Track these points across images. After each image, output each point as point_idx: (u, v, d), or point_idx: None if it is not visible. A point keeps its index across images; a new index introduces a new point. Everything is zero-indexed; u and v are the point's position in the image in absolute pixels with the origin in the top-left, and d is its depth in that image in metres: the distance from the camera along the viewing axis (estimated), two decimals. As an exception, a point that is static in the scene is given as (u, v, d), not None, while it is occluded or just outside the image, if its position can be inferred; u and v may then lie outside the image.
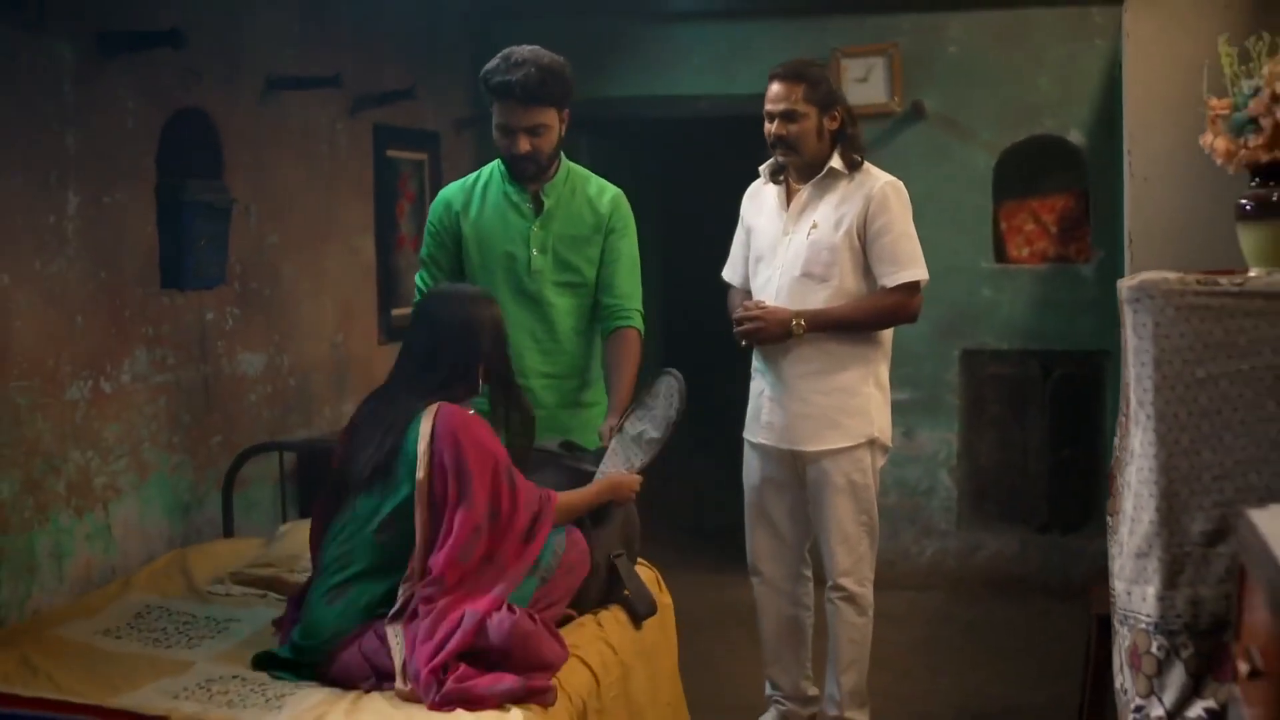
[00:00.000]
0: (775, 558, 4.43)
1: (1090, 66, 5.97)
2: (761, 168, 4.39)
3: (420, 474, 3.08)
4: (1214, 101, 3.14)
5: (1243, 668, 2.14)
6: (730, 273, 4.51)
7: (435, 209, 4.01)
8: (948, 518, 6.35)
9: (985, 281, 6.22)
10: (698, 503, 7.41)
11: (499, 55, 3.84)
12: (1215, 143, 3.10)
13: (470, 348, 3.31)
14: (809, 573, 4.50)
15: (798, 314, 4.13)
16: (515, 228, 3.92)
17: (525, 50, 3.83)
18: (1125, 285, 2.94)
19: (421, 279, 4.00)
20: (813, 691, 4.51)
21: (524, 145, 3.82)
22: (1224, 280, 2.88)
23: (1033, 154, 6.18)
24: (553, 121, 3.85)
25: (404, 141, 5.82)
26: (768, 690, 4.54)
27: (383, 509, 3.13)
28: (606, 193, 4.04)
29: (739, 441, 4.47)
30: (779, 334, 4.16)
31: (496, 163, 4.00)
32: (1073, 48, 6.04)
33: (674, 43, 6.46)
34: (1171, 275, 2.89)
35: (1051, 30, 6.07)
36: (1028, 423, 6.30)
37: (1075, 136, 6.08)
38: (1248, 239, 3.08)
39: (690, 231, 7.60)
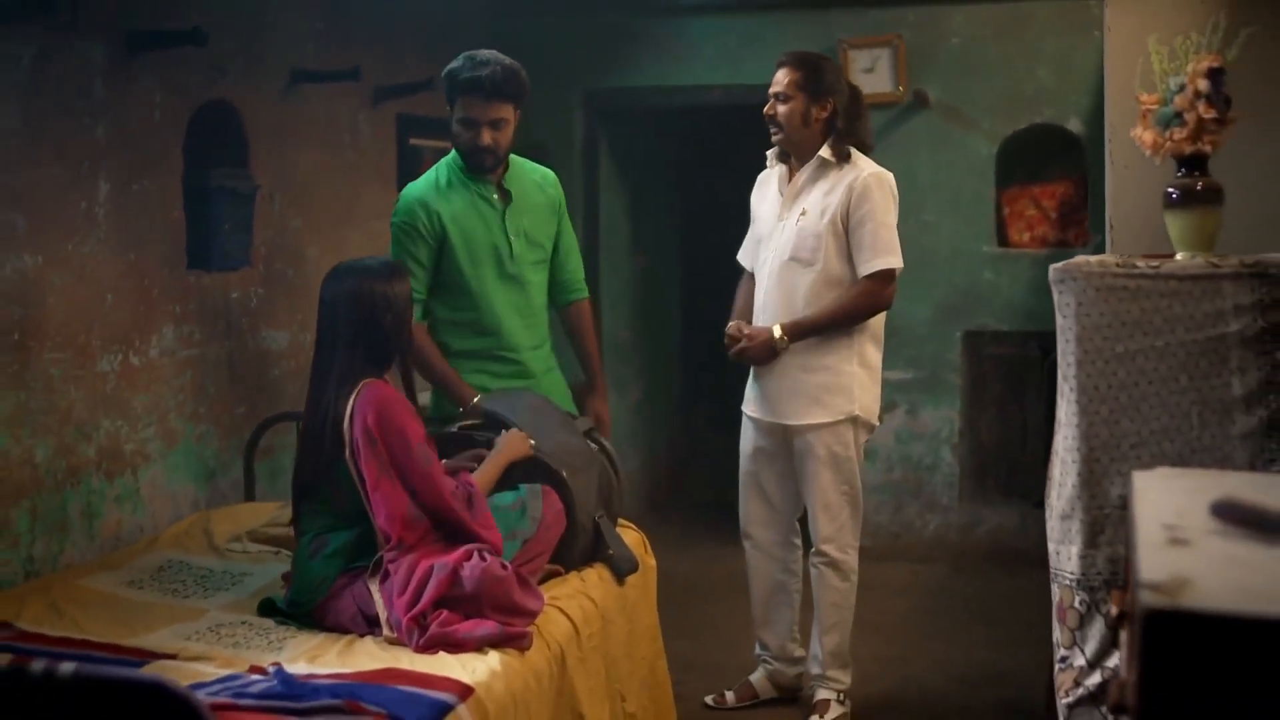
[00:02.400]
0: (765, 523, 4.68)
1: (1088, 57, 6.15)
2: (768, 151, 4.65)
3: (345, 452, 3.34)
4: (1144, 96, 3.37)
5: (1113, 611, 2.38)
6: (742, 255, 4.77)
7: (409, 210, 4.23)
8: (950, 493, 6.58)
9: (987, 265, 6.43)
10: (715, 478, 7.66)
11: (462, 56, 4.17)
12: (1143, 135, 3.33)
13: (363, 318, 3.42)
14: (799, 541, 4.75)
15: (780, 329, 4.39)
16: (490, 220, 4.25)
17: (487, 52, 4.16)
18: (1052, 268, 3.18)
19: None
20: (799, 653, 4.76)
21: (486, 138, 4.15)
22: (1141, 263, 3.12)
23: (1033, 142, 6.39)
24: (511, 117, 4.20)
25: (427, 130, 6.10)
26: (757, 650, 4.80)
27: (324, 488, 3.43)
28: (548, 176, 4.45)
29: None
30: (766, 352, 4.42)
31: (445, 163, 4.32)
32: (1071, 39, 6.23)
33: (687, 35, 6.72)
34: (1094, 259, 3.13)
35: (1050, 23, 6.27)
36: (1027, 401, 6.51)
37: (1074, 125, 6.28)
38: (1173, 225, 3.31)
39: (705, 215, 7.84)
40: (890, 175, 4.43)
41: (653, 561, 4.24)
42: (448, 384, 4.22)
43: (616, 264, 7.23)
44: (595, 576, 3.87)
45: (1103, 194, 6.11)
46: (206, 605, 3.59)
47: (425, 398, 4.38)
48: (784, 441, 4.54)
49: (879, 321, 4.51)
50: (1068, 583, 3.19)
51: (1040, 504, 6.34)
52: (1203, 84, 3.20)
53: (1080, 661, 3.17)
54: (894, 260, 4.35)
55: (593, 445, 4.09)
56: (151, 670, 2.96)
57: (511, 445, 3.76)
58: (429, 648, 3.19)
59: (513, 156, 4.35)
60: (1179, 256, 3.28)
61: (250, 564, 3.96)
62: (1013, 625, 5.53)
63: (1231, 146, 3.41)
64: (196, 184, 4.52)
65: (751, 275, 4.67)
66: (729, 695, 4.74)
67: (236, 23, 4.76)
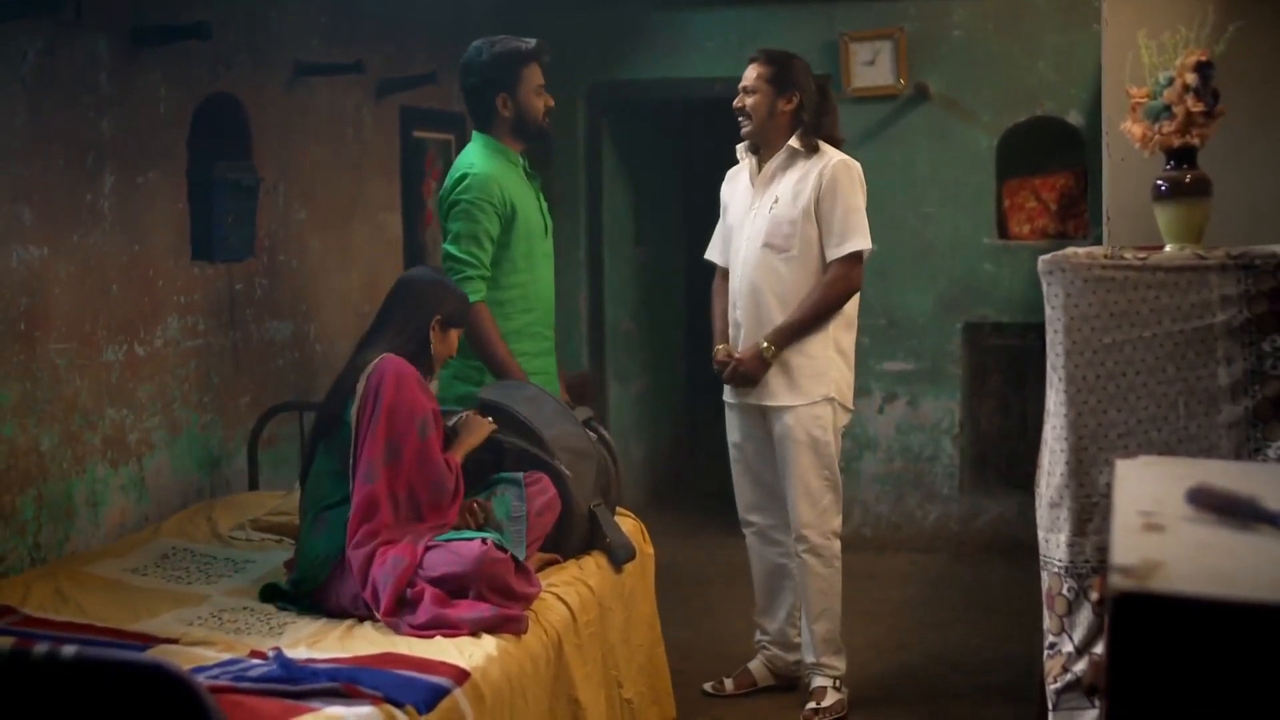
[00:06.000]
0: (762, 508, 4.74)
1: (1087, 51, 6.16)
2: (739, 146, 4.72)
3: (353, 412, 3.43)
4: (1134, 90, 3.41)
5: (1094, 596, 2.43)
6: (711, 252, 4.84)
7: (485, 187, 4.21)
8: (950, 483, 6.62)
9: (987, 257, 6.47)
10: (718, 468, 7.69)
11: (502, 38, 4.36)
12: (1133, 128, 3.36)
13: (421, 307, 3.66)
14: (796, 524, 4.80)
15: (766, 341, 4.46)
16: (531, 195, 4.40)
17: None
18: (1041, 259, 3.22)
19: (473, 255, 4.19)
20: (797, 640, 4.79)
21: (551, 100, 4.43)
22: (1129, 254, 3.16)
23: (1034, 134, 6.42)
24: None
25: (430, 122, 6.15)
26: (757, 636, 4.85)
27: (334, 448, 3.48)
28: None
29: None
30: (758, 365, 4.49)
31: (483, 146, 4.35)
32: (1070, 33, 6.27)
33: (689, 29, 6.76)
34: (1081, 250, 3.17)
35: (1050, 16, 6.31)
36: (1027, 392, 6.53)
37: (1074, 118, 6.31)
38: (1162, 217, 3.35)
39: (707, 207, 7.84)
40: (857, 164, 4.54)
41: (651, 550, 4.29)
42: (508, 367, 4.20)
43: (619, 255, 7.28)
44: (593, 565, 3.92)
45: (1101, 186, 6.18)
46: (209, 591, 3.65)
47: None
48: (764, 425, 4.60)
49: (852, 307, 4.59)
50: (1056, 570, 3.23)
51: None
52: (1191, 78, 3.24)
53: (1068, 648, 3.21)
54: (861, 242, 4.45)
55: (591, 435, 4.14)
56: (153, 654, 3.01)
57: (474, 428, 3.78)
58: (424, 630, 3.24)
59: None
60: (1167, 248, 3.32)
61: (253, 551, 4.02)
62: (1011, 613, 5.57)
63: (1221, 140, 3.44)
64: (201, 176, 4.57)
65: (724, 273, 4.75)
66: (727, 683, 4.79)
67: (240, 17, 4.81)
